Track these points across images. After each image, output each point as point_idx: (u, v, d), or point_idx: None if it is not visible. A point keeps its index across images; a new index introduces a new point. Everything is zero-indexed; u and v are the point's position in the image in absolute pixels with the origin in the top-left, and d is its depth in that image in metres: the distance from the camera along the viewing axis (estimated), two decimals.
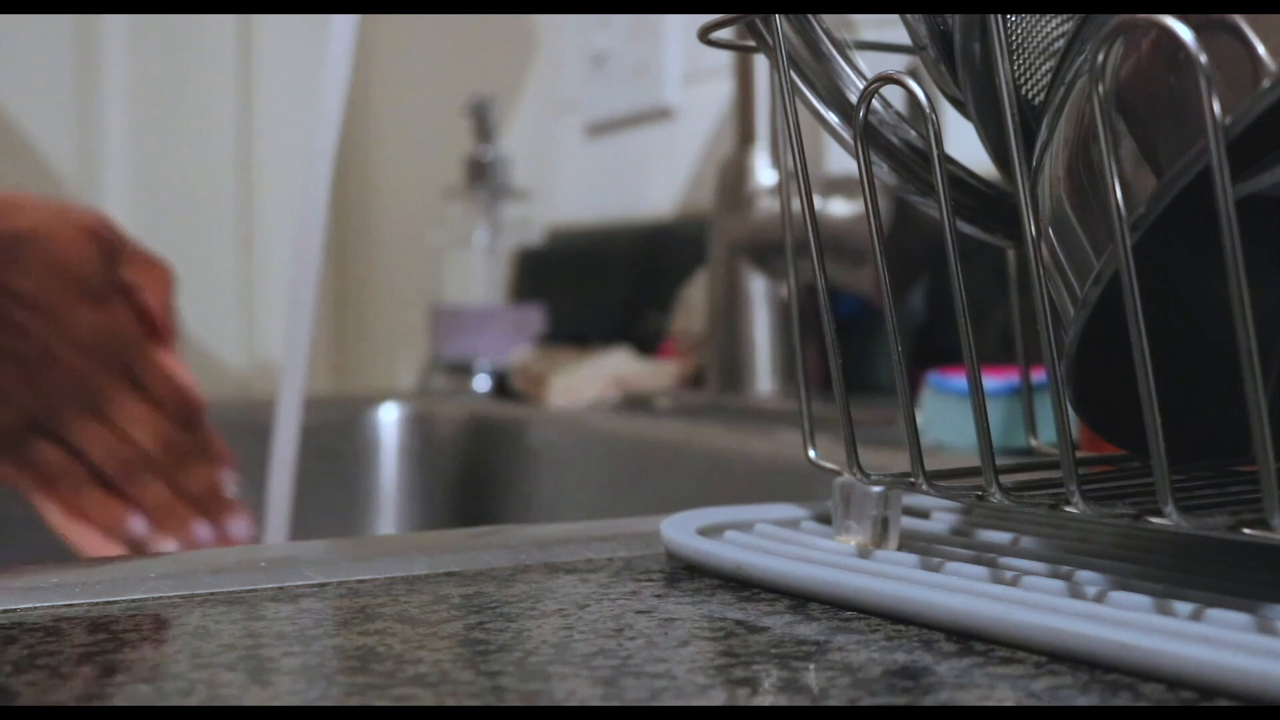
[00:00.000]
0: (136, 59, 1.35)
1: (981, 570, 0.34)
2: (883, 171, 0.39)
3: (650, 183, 1.19)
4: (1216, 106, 0.26)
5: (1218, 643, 0.27)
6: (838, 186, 0.80)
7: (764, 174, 0.89)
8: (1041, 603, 0.30)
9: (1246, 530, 0.28)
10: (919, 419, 0.58)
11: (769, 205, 0.88)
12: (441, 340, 1.16)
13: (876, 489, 0.37)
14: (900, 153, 0.38)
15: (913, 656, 0.29)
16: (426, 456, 1.02)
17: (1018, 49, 0.37)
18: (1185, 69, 0.27)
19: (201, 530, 0.64)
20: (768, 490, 0.63)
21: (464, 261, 1.22)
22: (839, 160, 0.84)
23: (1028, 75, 0.37)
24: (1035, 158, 0.34)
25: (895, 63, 0.44)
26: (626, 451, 0.82)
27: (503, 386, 1.06)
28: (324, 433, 0.95)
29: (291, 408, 0.62)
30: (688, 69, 1.14)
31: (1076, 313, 0.31)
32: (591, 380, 0.95)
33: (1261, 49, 0.26)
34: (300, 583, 0.36)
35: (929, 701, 0.26)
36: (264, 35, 1.39)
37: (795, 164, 0.37)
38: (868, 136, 0.37)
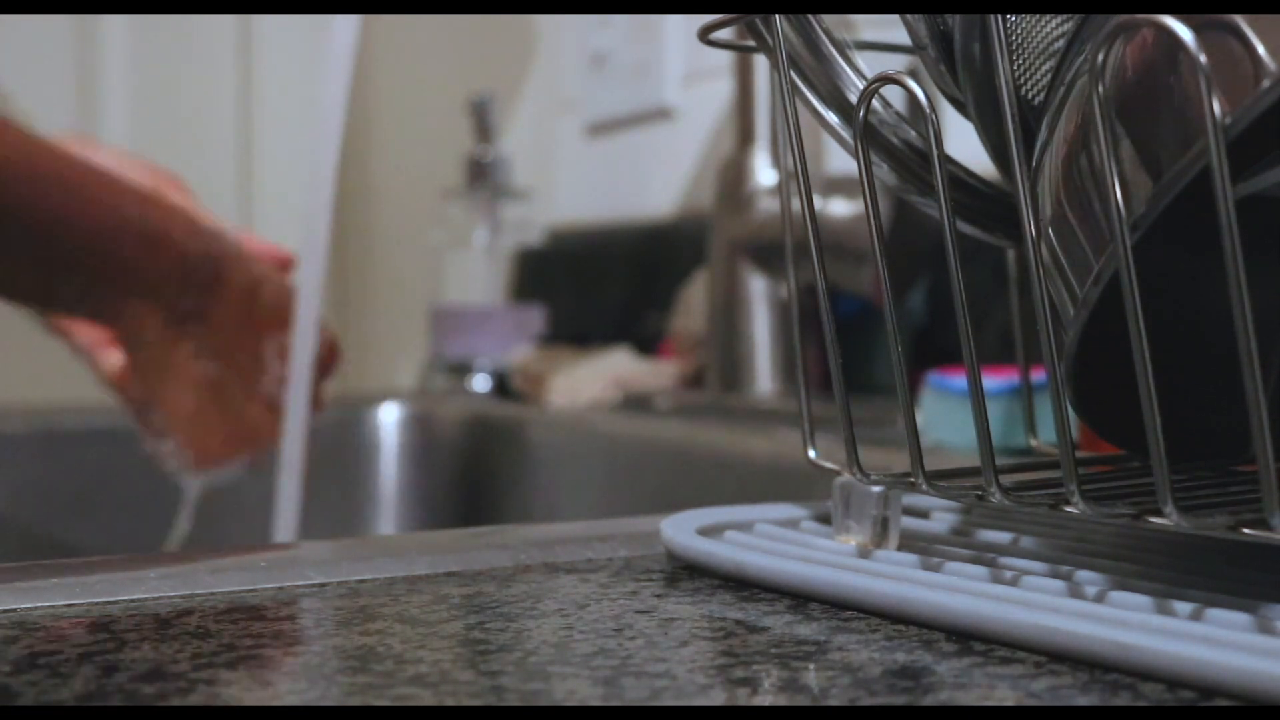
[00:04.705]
0: (136, 59, 1.35)
1: (981, 570, 0.34)
2: (883, 171, 0.39)
3: (650, 183, 1.19)
4: (1216, 106, 0.26)
5: (1218, 643, 0.27)
6: (838, 186, 0.80)
7: (764, 174, 0.89)
8: (1041, 603, 0.30)
9: (1246, 530, 0.28)
10: (919, 419, 0.58)
11: (769, 205, 0.88)
12: (441, 340, 1.16)
13: (876, 489, 0.37)
14: (900, 153, 0.38)
15: (913, 656, 0.29)
16: (426, 456, 1.02)
17: (1018, 49, 0.36)
18: (1185, 69, 0.27)
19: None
20: (768, 490, 0.63)
21: (464, 261, 1.22)
22: (839, 160, 0.84)
23: (1028, 75, 0.37)
24: (1035, 158, 0.34)
25: (895, 63, 0.44)
26: (626, 451, 0.82)
27: (503, 386, 1.06)
28: (324, 433, 0.95)
29: (299, 407, 0.62)
30: (688, 69, 1.14)
31: (1076, 313, 0.31)
32: (591, 380, 0.95)
33: (1261, 49, 0.26)
34: (300, 583, 0.36)
35: (929, 701, 0.26)
36: (264, 35, 1.39)
37: (795, 164, 0.37)
38: (868, 136, 0.37)
